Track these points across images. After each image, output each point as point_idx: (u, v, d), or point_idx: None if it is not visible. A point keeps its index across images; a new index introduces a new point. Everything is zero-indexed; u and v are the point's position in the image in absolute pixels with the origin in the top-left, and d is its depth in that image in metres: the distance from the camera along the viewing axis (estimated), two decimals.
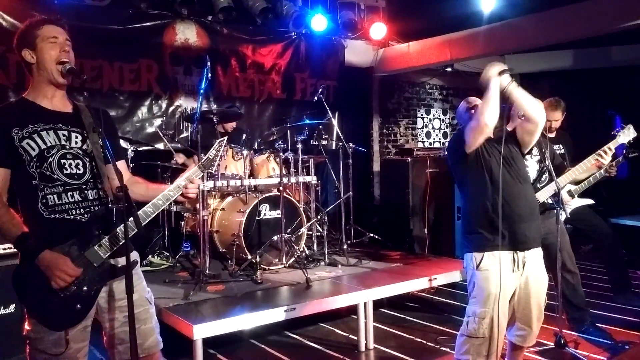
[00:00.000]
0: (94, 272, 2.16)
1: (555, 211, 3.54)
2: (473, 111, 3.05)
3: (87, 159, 2.24)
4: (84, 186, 2.22)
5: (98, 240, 2.16)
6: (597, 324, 4.17)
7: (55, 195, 2.15)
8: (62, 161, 2.18)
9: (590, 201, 4.33)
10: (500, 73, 2.83)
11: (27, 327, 2.15)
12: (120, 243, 2.18)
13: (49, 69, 2.19)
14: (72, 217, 2.17)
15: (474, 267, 2.91)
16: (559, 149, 4.41)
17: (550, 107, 4.27)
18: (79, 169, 2.22)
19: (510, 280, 2.89)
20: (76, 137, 2.24)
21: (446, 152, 3.16)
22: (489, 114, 2.77)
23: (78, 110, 2.29)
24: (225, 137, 2.59)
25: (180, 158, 5.41)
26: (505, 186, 2.87)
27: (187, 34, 6.32)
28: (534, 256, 2.98)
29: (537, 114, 2.90)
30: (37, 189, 2.14)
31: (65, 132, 2.22)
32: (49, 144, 2.17)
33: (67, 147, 2.21)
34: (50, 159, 2.16)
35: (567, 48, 8.21)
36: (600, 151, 3.85)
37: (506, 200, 2.87)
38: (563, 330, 3.60)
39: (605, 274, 5.14)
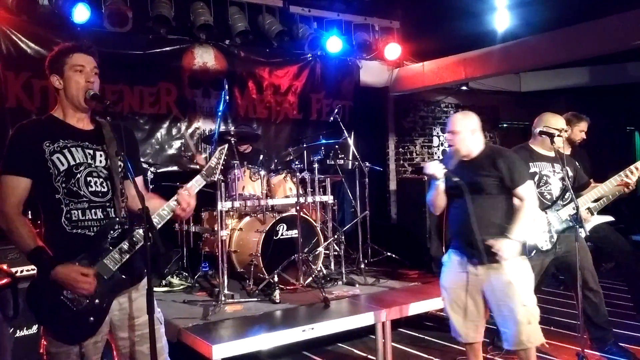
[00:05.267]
0: (105, 285, 2.20)
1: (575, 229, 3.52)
2: None
3: (110, 178, 2.31)
4: (107, 204, 2.30)
5: (107, 254, 2.21)
6: (620, 344, 4.10)
7: (79, 211, 2.22)
8: (89, 179, 2.26)
9: (609, 218, 4.27)
10: None
11: (44, 342, 2.19)
12: (129, 255, 2.22)
13: (75, 96, 2.28)
14: (93, 233, 2.24)
15: None
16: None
17: (575, 117, 4.45)
18: (103, 187, 2.30)
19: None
20: (100, 155, 2.33)
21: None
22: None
23: (100, 127, 2.37)
24: (226, 145, 2.59)
25: (201, 160, 5.63)
26: None
27: (205, 57, 6.45)
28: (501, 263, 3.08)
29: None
30: (61, 203, 2.20)
31: (91, 151, 2.31)
32: (77, 161, 2.25)
33: (93, 165, 2.29)
34: (78, 175, 2.24)
35: (582, 65, 8.19)
36: (626, 170, 3.76)
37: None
38: (585, 350, 3.54)
39: (627, 292, 5.05)
